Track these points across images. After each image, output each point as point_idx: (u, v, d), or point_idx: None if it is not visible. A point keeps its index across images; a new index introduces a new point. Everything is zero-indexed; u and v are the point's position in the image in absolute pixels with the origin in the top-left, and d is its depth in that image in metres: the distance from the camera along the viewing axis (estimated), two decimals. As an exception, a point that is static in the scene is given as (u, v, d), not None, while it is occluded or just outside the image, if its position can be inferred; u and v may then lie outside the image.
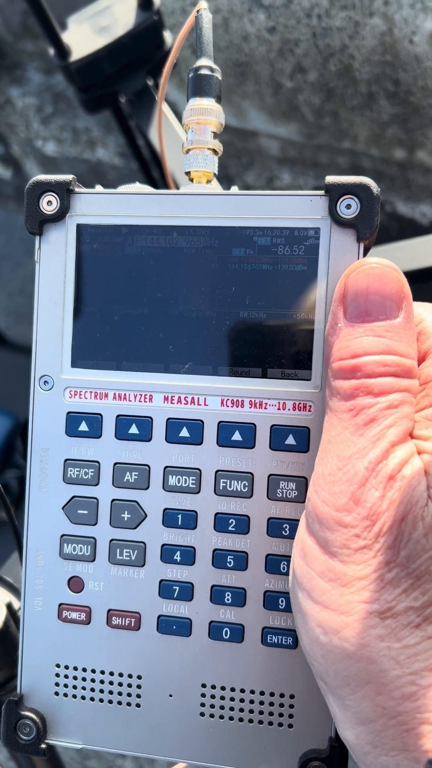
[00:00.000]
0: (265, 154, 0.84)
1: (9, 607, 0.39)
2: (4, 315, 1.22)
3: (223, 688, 0.28)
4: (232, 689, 0.28)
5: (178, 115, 0.79)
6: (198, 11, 0.33)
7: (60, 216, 0.30)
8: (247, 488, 0.28)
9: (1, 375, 1.10)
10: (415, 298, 0.27)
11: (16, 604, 0.40)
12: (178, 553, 0.29)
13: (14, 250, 1.24)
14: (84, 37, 0.56)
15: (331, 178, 0.28)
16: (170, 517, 0.29)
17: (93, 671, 0.29)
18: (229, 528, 0.28)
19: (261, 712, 0.28)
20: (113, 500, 0.30)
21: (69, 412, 0.30)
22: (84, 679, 0.30)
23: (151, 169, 0.72)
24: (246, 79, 0.75)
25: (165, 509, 0.29)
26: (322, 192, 0.28)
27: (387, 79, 0.67)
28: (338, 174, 0.80)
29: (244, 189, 0.89)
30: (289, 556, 0.28)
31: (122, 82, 0.59)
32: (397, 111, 0.68)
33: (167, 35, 0.58)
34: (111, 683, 0.29)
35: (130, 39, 0.56)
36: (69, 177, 0.30)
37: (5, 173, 1.15)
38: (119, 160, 0.99)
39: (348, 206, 0.28)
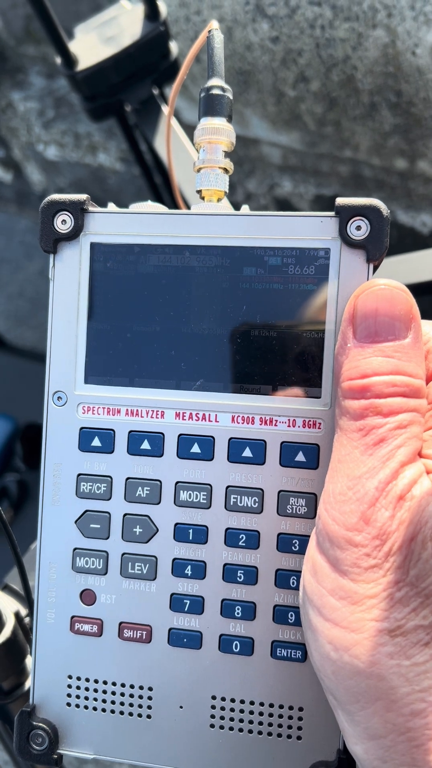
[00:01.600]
0: (267, 161, 0.84)
1: (17, 615, 0.40)
2: (3, 318, 1.22)
3: (233, 701, 0.29)
4: (242, 701, 0.29)
5: (183, 123, 0.80)
6: (210, 31, 0.34)
7: (74, 235, 0.30)
8: (257, 504, 0.29)
9: (1, 378, 1.10)
10: (420, 312, 0.28)
11: (22, 612, 0.40)
12: (189, 567, 0.29)
13: (14, 253, 1.24)
14: (91, 46, 0.57)
15: (341, 200, 0.28)
16: (181, 532, 0.29)
17: (104, 683, 0.30)
18: (240, 543, 0.29)
19: (270, 724, 0.29)
20: (125, 515, 0.30)
21: (82, 428, 0.30)
22: (96, 691, 0.30)
23: (153, 175, 0.73)
24: (249, 87, 0.75)
25: (176, 524, 0.30)
26: (332, 213, 0.29)
27: (389, 90, 0.67)
28: (340, 183, 0.81)
29: (246, 196, 0.89)
30: (299, 571, 0.29)
31: (128, 91, 0.59)
32: (398, 121, 0.69)
33: (173, 45, 0.59)
34: (122, 695, 0.30)
35: (136, 49, 0.56)
36: (83, 196, 0.30)
37: (6, 176, 1.16)
38: (120, 165, 0.99)
39: (358, 228, 0.28)
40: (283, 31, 0.68)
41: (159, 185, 0.73)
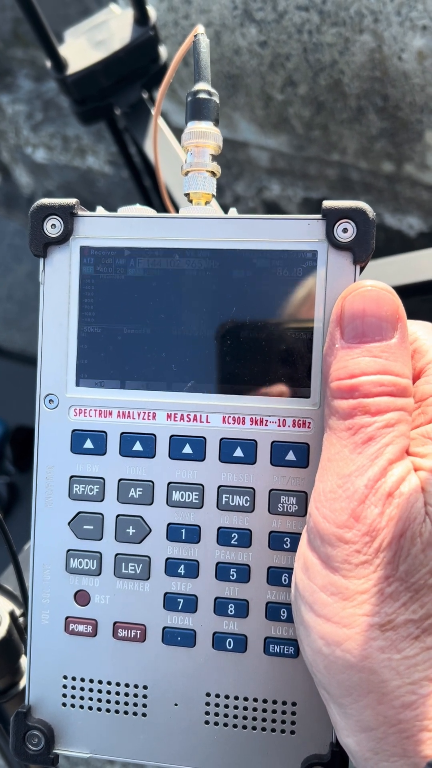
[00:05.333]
0: (255, 165, 0.85)
1: (11, 614, 0.40)
2: (-7, 321, 1.22)
3: (227, 697, 0.29)
4: (236, 698, 0.29)
5: (172, 126, 0.80)
6: (196, 36, 0.34)
7: (64, 239, 0.31)
8: (248, 503, 0.29)
9: (-9, 382, 1.10)
10: (407, 312, 0.28)
11: (17, 612, 0.41)
12: (182, 566, 0.30)
13: (2, 256, 1.24)
14: (81, 50, 0.57)
15: (328, 203, 0.29)
16: (174, 532, 0.30)
17: (100, 682, 0.30)
18: (232, 542, 0.29)
19: (264, 720, 0.29)
20: (118, 516, 0.30)
21: (74, 430, 0.31)
22: (91, 690, 0.30)
23: (143, 178, 0.73)
24: (237, 91, 0.76)
25: (169, 524, 0.30)
26: (319, 216, 0.29)
27: (376, 94, 0.68)
28: (327, 186, 0.82)
29: (234, 199, 0.90)
30: (290, 569, 0.29)
31: (117, 94, 0.59)
32: (385, 125, 0.70)
33: (162, 50, 0.59)
34: (117, 693, 0.30)
35: (126, 53, 0.56)
36: (72, 201, 0.31)
37: (-5, 180, 1.15)
38: (109, 168, 0.99)
39: (345, 230, 0.29)
40: (271, 36, 0.69)
41: (148, 188, 0.73)
